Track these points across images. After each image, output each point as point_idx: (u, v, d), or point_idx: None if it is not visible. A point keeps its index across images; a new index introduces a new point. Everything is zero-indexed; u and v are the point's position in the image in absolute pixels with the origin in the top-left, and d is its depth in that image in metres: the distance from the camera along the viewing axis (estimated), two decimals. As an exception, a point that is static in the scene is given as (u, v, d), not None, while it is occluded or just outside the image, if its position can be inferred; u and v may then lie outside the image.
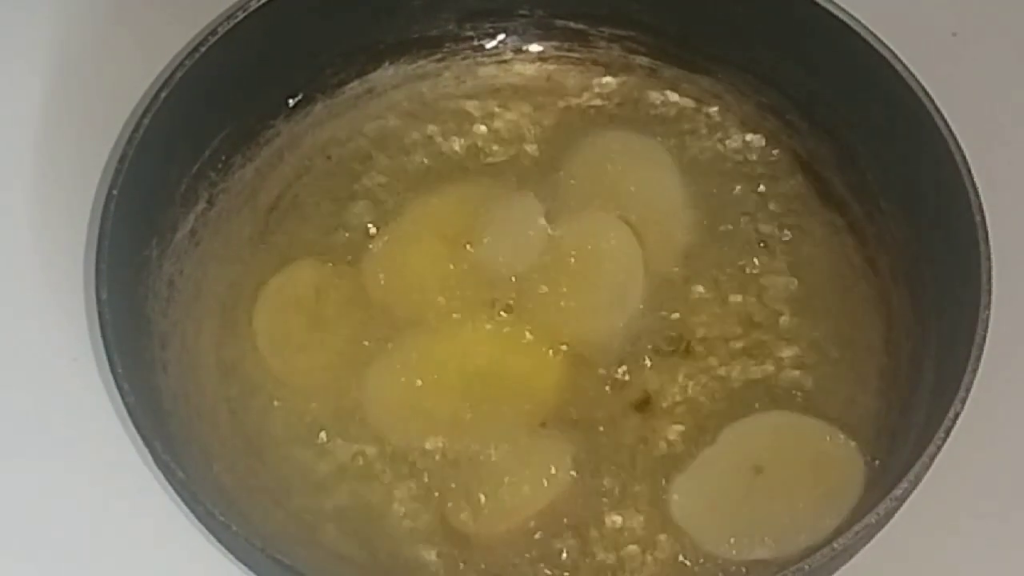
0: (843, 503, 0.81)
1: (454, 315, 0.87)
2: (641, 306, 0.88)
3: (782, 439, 0.84)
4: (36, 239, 0.91)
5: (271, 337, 0.87)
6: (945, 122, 0.81)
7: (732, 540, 0.81)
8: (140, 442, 0.77)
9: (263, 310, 0.88)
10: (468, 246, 0.88)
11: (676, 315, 0.88)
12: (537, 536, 0.82)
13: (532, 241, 0.89)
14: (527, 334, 0.87)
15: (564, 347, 0.86)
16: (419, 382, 0.85)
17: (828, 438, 0.83)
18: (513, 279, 0.88)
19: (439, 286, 0.88)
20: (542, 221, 0.89)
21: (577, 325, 0.87)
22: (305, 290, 0.88)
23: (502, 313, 0.87)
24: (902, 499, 0.75)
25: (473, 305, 0.87)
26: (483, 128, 0.94)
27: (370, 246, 0.89)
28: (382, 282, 0.88)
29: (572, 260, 0.88)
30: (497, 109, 0.94)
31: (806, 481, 0.82)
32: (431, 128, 0.94)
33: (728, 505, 0.82)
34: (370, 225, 0.90)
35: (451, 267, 0.88)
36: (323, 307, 0.88)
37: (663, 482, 0.83)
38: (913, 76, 0.83)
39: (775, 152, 0.92)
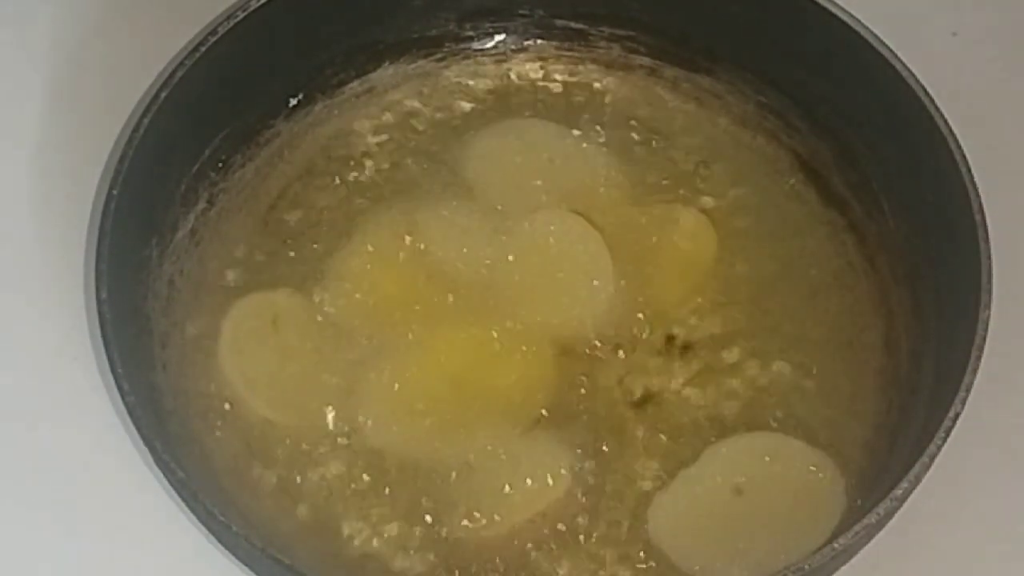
0: (822, 527, 0.80)
1: (429, 325, 0.86)
2: (616, 296, 0.87)
3: (762, 461, 0.83)
4: (36, 239, 0.91)
5: (244, 377, 0.85)
6: (945, 121, 0.81)
7: (711, 561, 0.80)
8: (140, 442, 0.77)
9: (227, 353, 0.86)
10: (423, 254, 0.88)
11: (659, 310, 0.88)
12: (527, 545, 0.82)
13: (485, 243, 0.88)
14: (505, 335, 0.86)
15: (543, 344, 0.86)
16: (407, 394, 0.85)
17: (807, 460, 0.82)
18: (481, 283, 0.87)
19: (404, 300, 0.87)
20: (489, 221, 0.89)
21: (551, 320, 0.87)
22: (262, 324, 0.86)
23: (478, 318, 0.87)
24: (902, 499, 0.75)
25: (444, 313, 0.87)
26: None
27: (324, 267, 0.88)
28: (344, 304, 0.87)
29: (532, 256, 0.88)
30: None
31: (786, 504, 0.82)
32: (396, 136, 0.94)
33: (707, 527, 0.81)
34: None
35: (412, 278, 0.88)
36: (286, 337, 0.86)
37: (648, 496, 0.83)
38: (913, 75, 0.83)
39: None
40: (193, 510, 0.77)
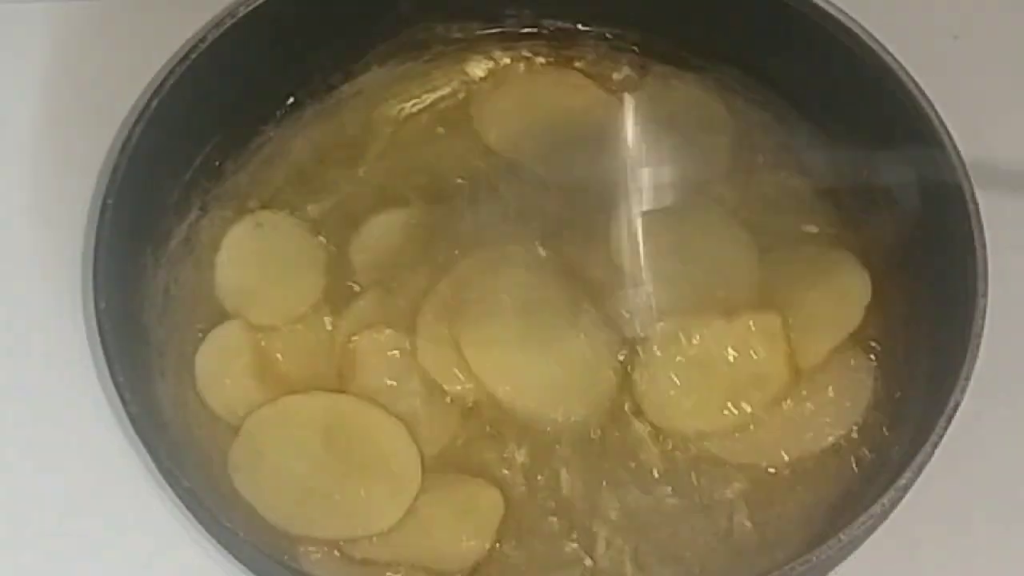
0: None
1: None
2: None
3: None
4: (32, 251, 0.91)
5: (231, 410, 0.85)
6: (941, 120, 0.81)
7: None
8: (142, 451, 0.77)
9: (208, 389, 0.85)
10: None
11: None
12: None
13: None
14: None
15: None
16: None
17: None
18: None
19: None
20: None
21: None
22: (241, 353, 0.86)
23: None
24: (905, 488, 0.76)
25: None
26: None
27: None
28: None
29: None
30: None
31: None
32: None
33: None
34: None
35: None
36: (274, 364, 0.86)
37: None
38: (911, 78, 0.83)
39: None
40: (199, 518, 0.77)
